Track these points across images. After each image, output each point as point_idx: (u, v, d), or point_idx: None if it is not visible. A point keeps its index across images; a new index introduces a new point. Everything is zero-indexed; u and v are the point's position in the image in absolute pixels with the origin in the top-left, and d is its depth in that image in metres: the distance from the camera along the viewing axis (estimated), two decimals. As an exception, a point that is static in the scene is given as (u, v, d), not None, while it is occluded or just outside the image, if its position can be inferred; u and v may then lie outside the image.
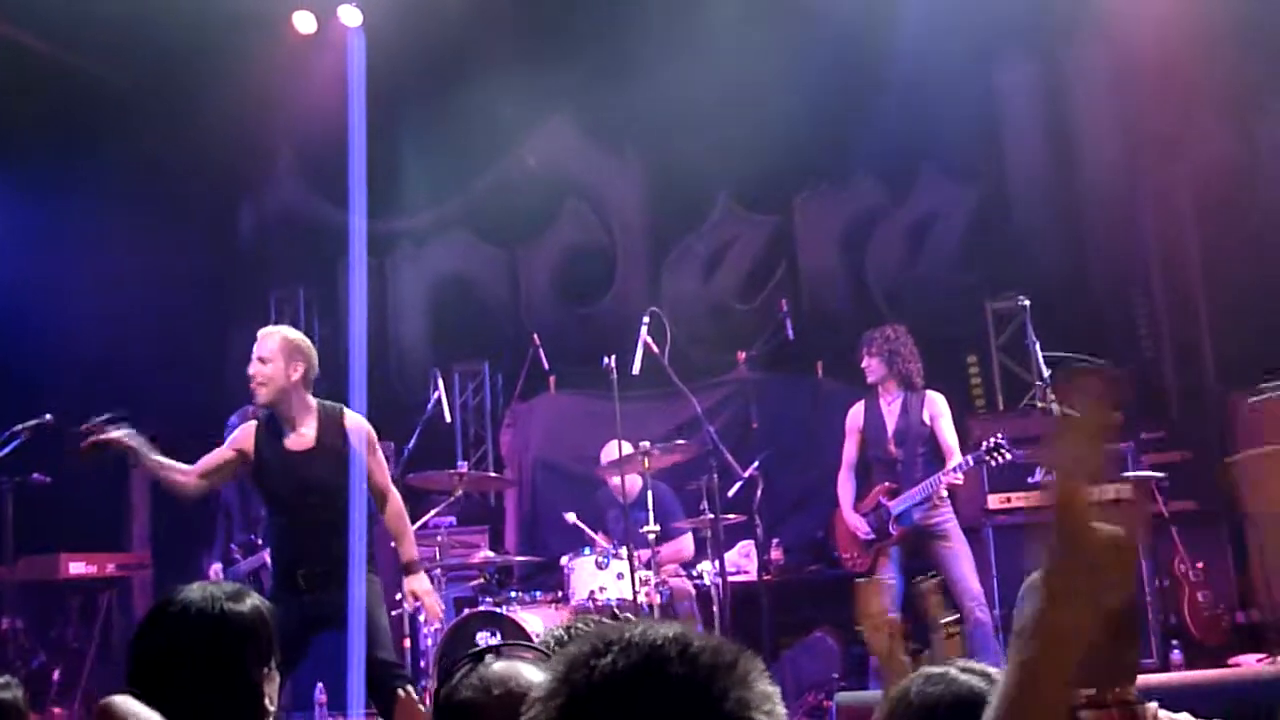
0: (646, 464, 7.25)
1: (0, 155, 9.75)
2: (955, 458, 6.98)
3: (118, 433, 5.06)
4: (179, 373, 9.86)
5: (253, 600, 2.32)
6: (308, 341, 5.44)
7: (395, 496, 5.52)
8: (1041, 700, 1.31)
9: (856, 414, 7.37)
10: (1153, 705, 2.56)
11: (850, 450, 7.37)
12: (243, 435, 5.43)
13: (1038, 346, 5.94)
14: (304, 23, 8.99)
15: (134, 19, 8.41)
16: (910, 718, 1.82)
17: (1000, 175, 9.48)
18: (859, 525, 7.19)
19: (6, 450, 6.75)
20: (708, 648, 1.24)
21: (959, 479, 6.89)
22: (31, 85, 9.00)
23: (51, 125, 9.37)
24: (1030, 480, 7.47)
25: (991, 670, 1.84)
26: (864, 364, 7.23)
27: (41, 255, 9.69)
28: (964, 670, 1.86)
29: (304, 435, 5.35)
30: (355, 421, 5.37)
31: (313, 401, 5.39)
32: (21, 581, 7.79)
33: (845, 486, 7.35)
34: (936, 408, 7.13)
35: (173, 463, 5.28)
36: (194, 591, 2.29)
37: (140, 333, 9.79)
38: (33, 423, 6.80)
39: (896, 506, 7.01)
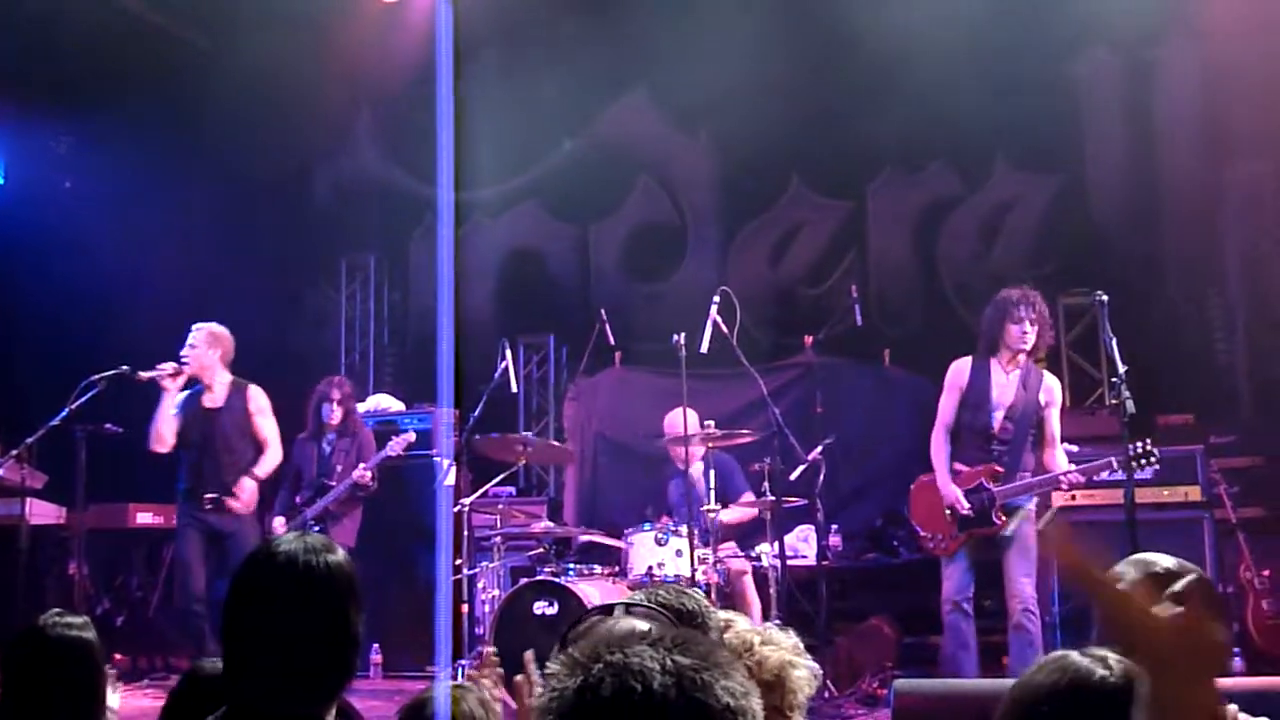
0: (709, 445, 7.31)
1: (81, 112, 9.92)
2: (1060, 450, 6.33)
3: None
4: (250, 330, 9.96)
5: (344, 554, 2.27)
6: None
7: None
8: None
9: (961, 370, 6.47)
10: (1232, 707, 2.53)
11: (948, 409, 6.44)
12: None
13: (1114, 344, 5.83)
14: (388, -10, 9.04)
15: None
16: (1033, 701, 1.80)
17: (1078, 167, 9.35)
18: (959, 500, 6.26)
19: (83, 399, 6.88)
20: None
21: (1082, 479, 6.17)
22: (114, 44, 9.10)
23: (134, 84, 9.49)
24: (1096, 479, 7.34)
25: (1111, 656, 1.81)
26: (1020, 330, 6.28)
27: (118, 210, 9.84)
28: (1083, 654, 1.85)
29: None
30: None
31: None
32: (91, 529, 7.93)
33: (942, 450, 6.40)
34: (1053, 393, 6.42)
35: None
36: (293, 542, 2.22)
37: (213, 290, 9.90)
38: (110, 373, 6.94)
39: (1007, 494, 6.21)
